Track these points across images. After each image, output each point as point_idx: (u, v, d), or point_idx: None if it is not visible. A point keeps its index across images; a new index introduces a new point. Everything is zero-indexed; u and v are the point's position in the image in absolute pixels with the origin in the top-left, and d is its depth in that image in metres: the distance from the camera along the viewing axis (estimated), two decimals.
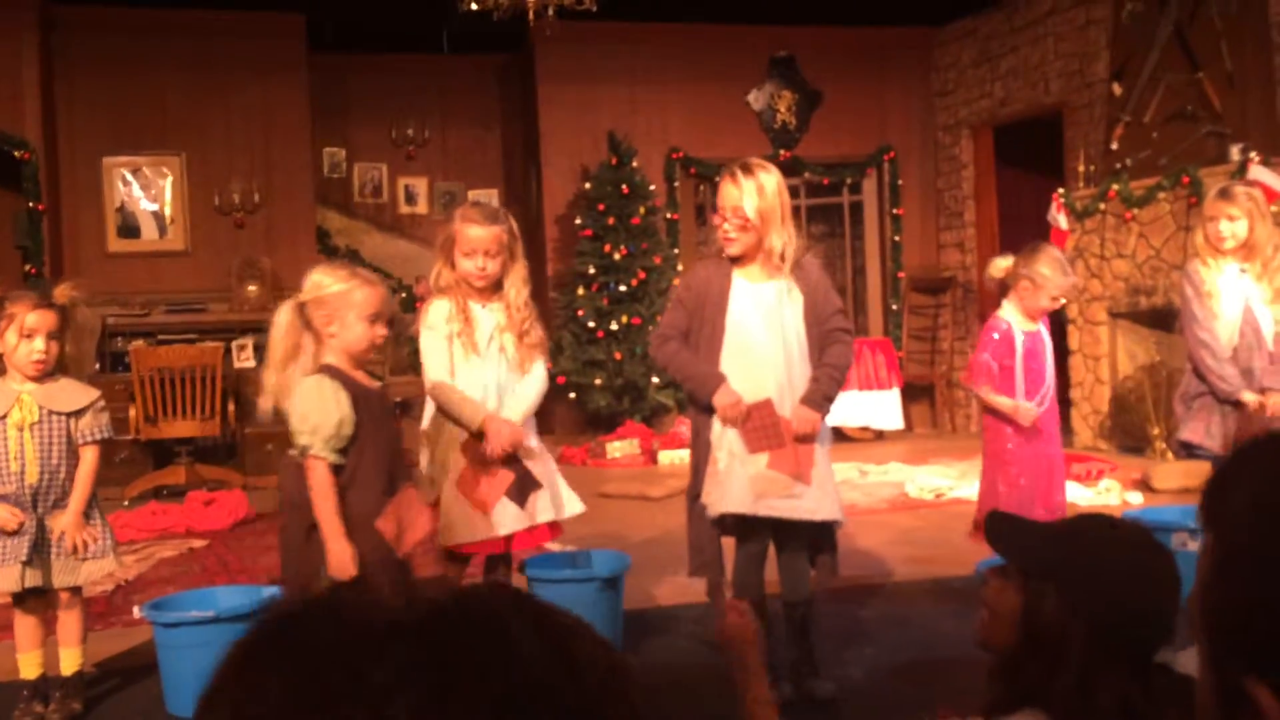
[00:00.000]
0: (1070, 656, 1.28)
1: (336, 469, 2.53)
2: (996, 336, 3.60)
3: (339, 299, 2.56)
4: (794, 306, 2.95)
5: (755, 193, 2.85)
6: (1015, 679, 1.34)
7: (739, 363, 2.93)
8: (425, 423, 3.22)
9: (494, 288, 3.13)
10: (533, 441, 3.16)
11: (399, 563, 2.57)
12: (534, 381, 3.15)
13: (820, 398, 2.92)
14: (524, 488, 3.12)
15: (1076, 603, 1.31)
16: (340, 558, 2.49)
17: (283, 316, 2.60)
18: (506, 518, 3.08)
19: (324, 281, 2.59)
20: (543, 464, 3.18)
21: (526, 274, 3.19)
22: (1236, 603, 0.68)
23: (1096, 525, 1.45)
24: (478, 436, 3.03)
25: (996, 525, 1.49)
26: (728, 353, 2.94)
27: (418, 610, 0.50)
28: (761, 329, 2.93)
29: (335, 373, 2.55)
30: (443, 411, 3.09)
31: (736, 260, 2.96)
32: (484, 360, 3.09)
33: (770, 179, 2.88)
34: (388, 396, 2.71)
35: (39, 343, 2.92)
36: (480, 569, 3.36)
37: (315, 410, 2.50)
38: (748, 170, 2.88)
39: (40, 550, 2.96)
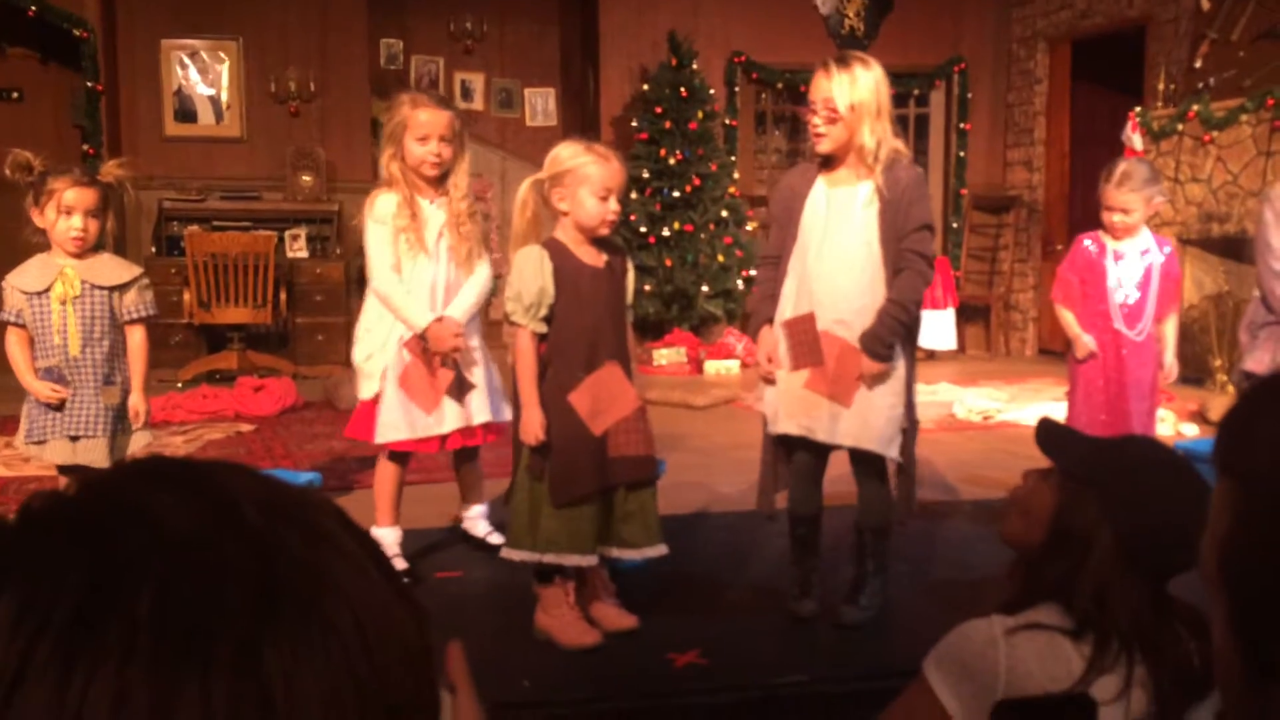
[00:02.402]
0: (1093, 561, 1.33)
1: (542, 339, 2.62)
2: (1078, 246, 3.50)
3: (572, 175, 2.60)
4: (870, 214, 2.72)
5: (848, 84, 2.66)
6: (1038, 576, 1.39)
7: (796, 272, 2.79)
8: (364, 316, 3.21)
9: (441, 180, 3.12)
10: (474, 342, 3.20)
11: (593, 440, 2.61)
12: (477, 282, 3.17)
13: (874, 343, 2.70)
14: (462, 387, 3.15)
15: (1110, 511, 1.35)
16: (529, 424, 2.60)
17: (521, 194, 2.67)
18: (448, 416, 3.13)
19: (560, 156, 2.63)
20: (482, 366, 3.21)
21: (469, 166, 3.18)
22: (1265, 561, 0.61)
23: (1144, 444, 1.51)
24: (422, 337, 3.06)
25: (1047, 429, 1.51)
26: (792, 262, 2.80)
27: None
28: (821, 236, 2.75)
29: (553, 245, 2.63)
30: (387, 307, 3.10)
31: (827, 164, 2.78)
32: (431, 259, 3.10)
33: (867, 73, 2.68)
34: (617, 271, 2.72)
35: (76, 220, 2.93)
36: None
37: (518, 278, 2.60)
38: (843, 62, 2.70)
39: (87, 426, 3.00)
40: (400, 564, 3.22)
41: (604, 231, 2.67)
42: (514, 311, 2.63)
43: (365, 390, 3.18)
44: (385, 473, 3.25)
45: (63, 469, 3.07)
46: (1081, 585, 1.33)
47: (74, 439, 2.99)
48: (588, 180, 2.60)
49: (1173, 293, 3.56)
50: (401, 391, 3.10)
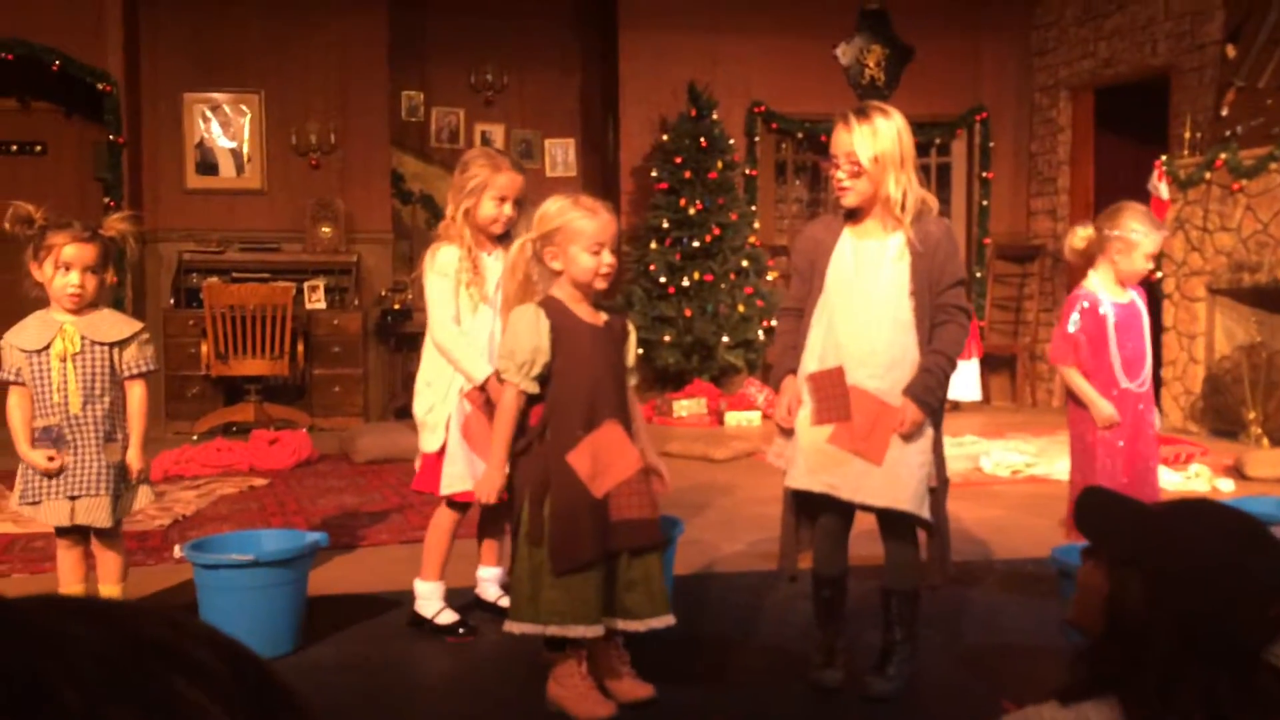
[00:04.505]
0: (1152, 649, 1.19)
1: (537, 400, 2.56)
2: (1085, 306, 3.35)
3: (562, 232, 2.55)
4: (900, 268, 2.64)
5: (870, 136, 2.59)
6: (1097, 666, 1.26)
7: (822, 325, 2.70)
8: (423, 369, 3.19)
9: (501, 237, 3.17)
10: None
11: (593, 503, 2.52)
12: None
13: (924, 393, 2.61)
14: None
15: (1161, 593, 1.20)
16: (488, 482, 2.58)
17: (510, 256, 2.64)
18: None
19: (548, 213, 2.59)
20: None
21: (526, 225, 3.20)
22: None
23: (1195, 511, 1.32)
24: (482, 388, 3.03)
25: (1088, 503, 1.38)
26: (816, 315, 2.71)
27: None
28: (848, 290, 2.67)
29: (550, 303, 2.57)
30: (447, 359, 3.09)
31: (852, 216, 2.70)
32: (491, 310, 3.10)
33: (888, 123, 2.61)
34: (617, 331, 2.66)
35: (74, 276, 2.88)
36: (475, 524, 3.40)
37: (512, 337, 2.55)
38: (863, 114, 2.63)
39: (88, 485, 2.92)
40: (450, 616, 3.18)
41: (601, 285, 2.60)
42: (506, 369, 2.56)
43: (429, 443, 3.15)
44: (442, 523, 3.21)
45: (61, 530, 2.98)
46: (1144, 678, 1.18)
47: (73, 498, 2.91)
48: (579, 235, 2.54)
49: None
50: (464, 442, 3.08)
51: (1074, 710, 1.22)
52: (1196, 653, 1.17)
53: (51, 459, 2.89)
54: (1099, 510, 1.36)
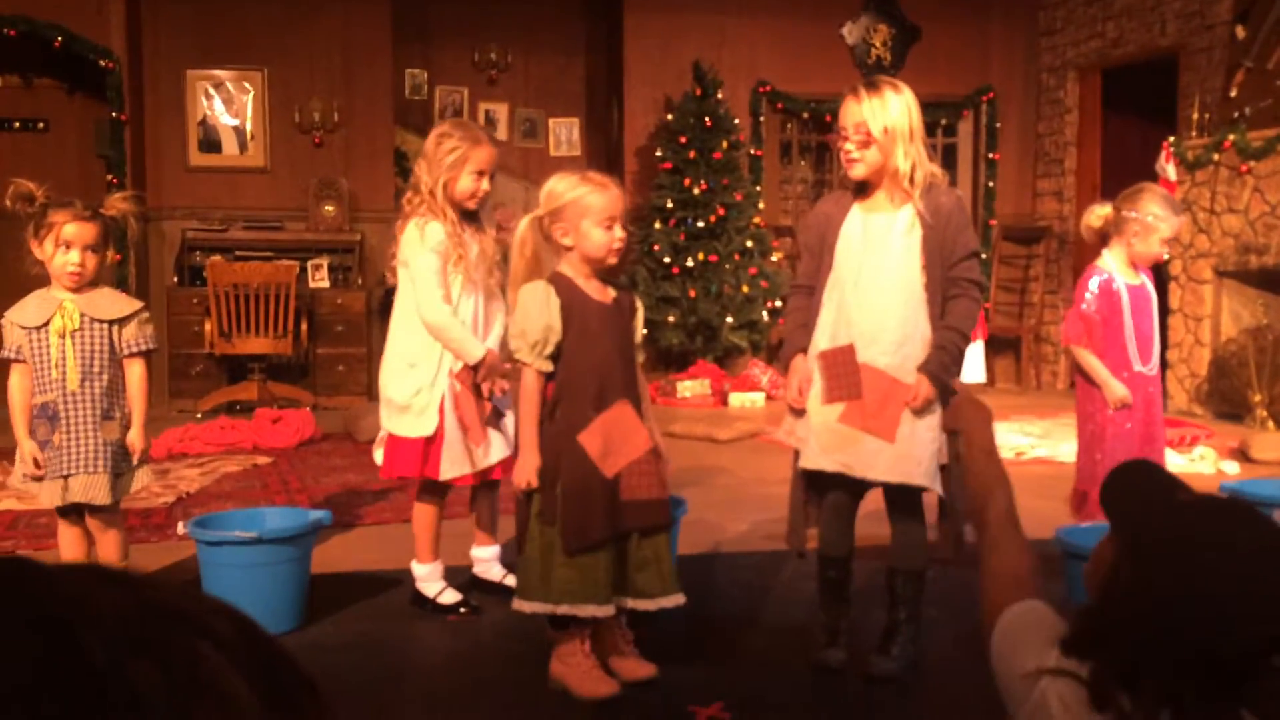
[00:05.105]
0: (1126, 636, 1.16)
1: (550, 378, 2.55)
2: (1096, 288, 3.33)
3: (573, 208, 2.53)
4: (911, 241, 2.63)
5: (880, 108, 2.58)
6: (1089, 630, 1.23)
7: (832, 302, 2.69)
8: (404, 350, 3.08)
9: (469, 213, 3.13)
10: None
11: (604, 482, 2.51)
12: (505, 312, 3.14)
13: (940, 370, 2.60)
14: (499, 417, 3.13)
15: (1151, 586, 1.16)
16: (524, 467, 2.53)
17: (519, 232, 2.60)
18: (495, 448, 3.09)
19: (557, 190, 2.56)
20: (509, 398, 3.16)
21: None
22: None
23: (1224, 515, 1.23)
24: (475, 368, 3.01)
25: (1117, 479, 1.33)
26: (827, 292, 2.70)
27: None
28: (858, 265, 2.65)
29: (559, 280, 2.55)
30: (440, 339, 3.03)
31: (861, 191, 2.69)
32: (475, 289, 3.07)
33: (898, 96, 2.60)
34: (625, 308, 2.64)
35: (74, 254, 2.87)
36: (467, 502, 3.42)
37: (523, 316, 2.53)
38: (873, 86, 2.62)
39: (86, 462, 2.91)
40: (452, 595, 3.17)
41: (612, 261, 2.59)
42: (519, 349, 2.54)
43: (417, 427, 3.04)
44: (428, 506, 3.18)
45: (62, 509, 2.98)
46: (1110, 660, 1.16)
47: (66, 477, 2.90)
48: (589, 211, 2.53)
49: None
50: (458, 425, 3.04)
51: (1061, 662, 1.20)
52: (1168, 652, 1.13)
53: (38, 463, 2.90)
54: (1124, 488, 1.32)
